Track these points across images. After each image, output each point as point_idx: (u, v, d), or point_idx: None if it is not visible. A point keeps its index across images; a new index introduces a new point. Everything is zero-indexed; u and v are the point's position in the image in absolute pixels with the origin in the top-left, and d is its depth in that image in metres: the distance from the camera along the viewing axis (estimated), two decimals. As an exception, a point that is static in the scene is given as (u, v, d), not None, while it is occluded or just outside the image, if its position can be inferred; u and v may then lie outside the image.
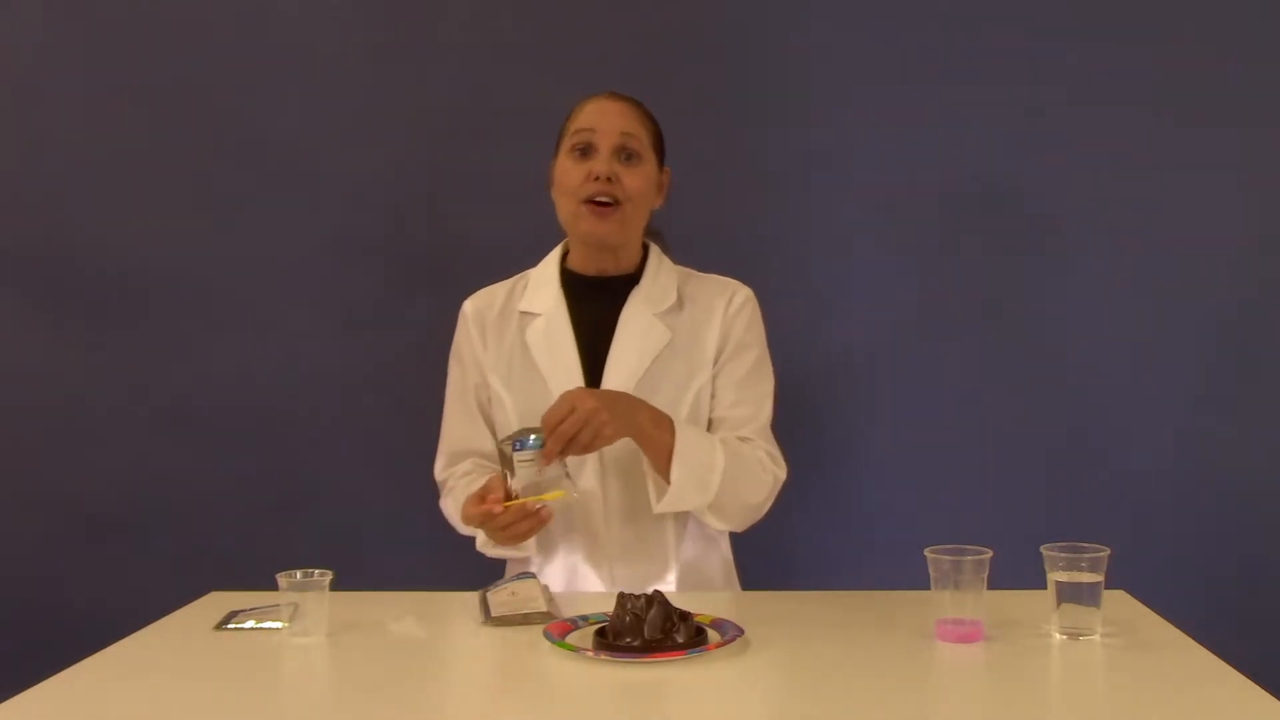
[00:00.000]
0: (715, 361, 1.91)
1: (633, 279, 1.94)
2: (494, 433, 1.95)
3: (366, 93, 2.62)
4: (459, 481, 1.94)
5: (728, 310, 1.92)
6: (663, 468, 1.78)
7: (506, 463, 1.70)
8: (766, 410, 1.92)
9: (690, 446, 1.78)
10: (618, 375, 1.86)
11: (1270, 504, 2.56)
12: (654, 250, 1.99)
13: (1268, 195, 2.55)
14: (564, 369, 1.88)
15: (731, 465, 1.81)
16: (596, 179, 1.86)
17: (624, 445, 1.81)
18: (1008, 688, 1.42)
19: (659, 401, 1.83)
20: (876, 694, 1.38)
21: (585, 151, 1.88)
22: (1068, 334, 2.57)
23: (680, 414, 1.85)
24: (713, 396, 1.90)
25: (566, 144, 1.91)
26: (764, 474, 1.86)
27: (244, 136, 2.63)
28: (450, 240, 2.61)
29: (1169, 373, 2.55)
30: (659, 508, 1.81)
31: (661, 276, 1.95)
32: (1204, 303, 2.55)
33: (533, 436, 1.69)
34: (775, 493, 1.89)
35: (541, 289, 1.96)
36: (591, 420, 1.67)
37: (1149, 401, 2.55)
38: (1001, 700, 1.39)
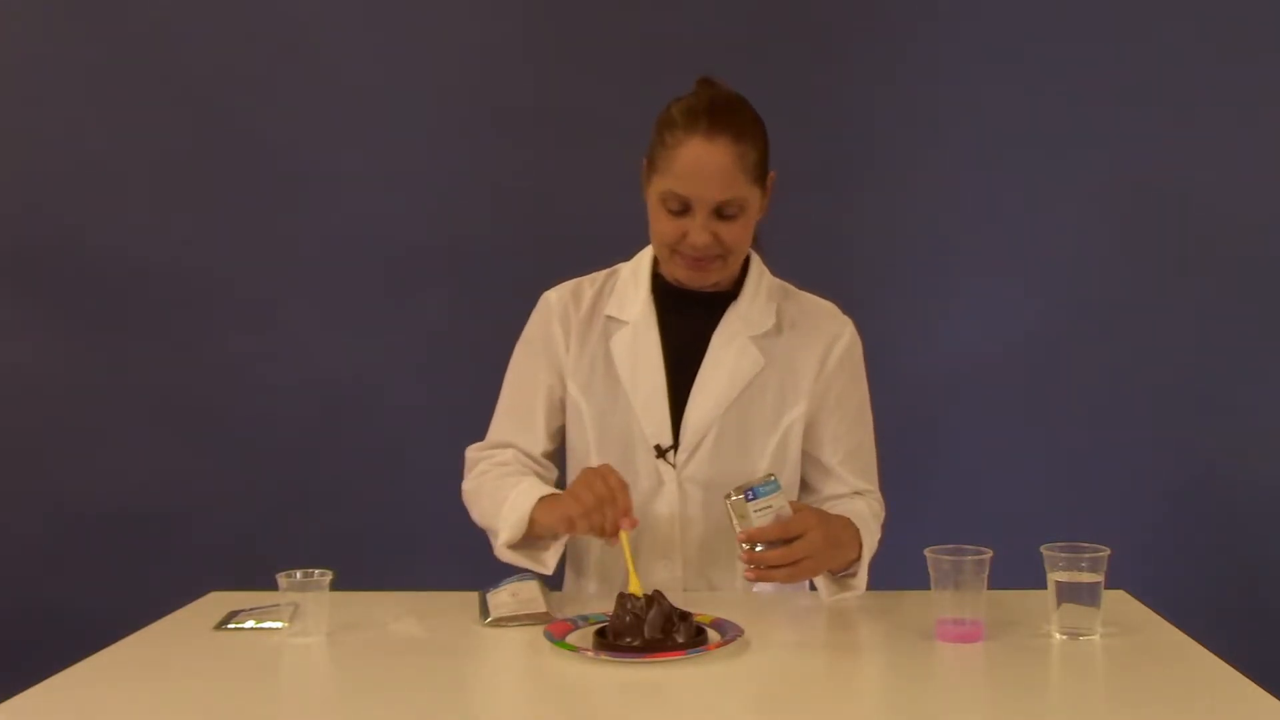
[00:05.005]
0: (820, 405, 1.81)
1: (729, 293, 1.81)
2: (549, 435, 1.85)
3: (370, 93, 2.62)
4: (493, 468, 1.83)
5: (832, 352, 1.81)
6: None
7: (739, 515, 1.59)
8: (873, 453, 1.86)
9: (871, 548, 1.73)
10: (705, 400, 1.77)
11: (1270, 504, 2.56)
12: (755, 263, 1.84)
13: (1266, 189, 2.55)
14: (648, 387, 1.78)
15: (874, 545, 1.76)
16: (694, 245, 1.70)
17: (702, 490, 1.77)
18: (1008, 688, 1.42)
19: (748, 434, 1.78)
20: (876, 694, 1.38)
21: (678, 209, 1.70)
22: (1065, 335, 2.57)
23: (767, 448, 1.79)
24: (811, 437, 1.81)
25: (657, 187, 1.71)
26: (879, 527, 1.81)
27: (246, 137, 2.63)
28: (452, 242, 2.61)
29: (1169, 372, 2.55)
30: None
31: (761, 295, 1.82)
32: (1204, 302, 2.55)
33: (761, 485, 1.59)
34: None
35: (631, 294, 1.83)
36: (814, 557, 1.57)
37: (1149, 400, 2.55)
38: (1001, 700, 1.39)
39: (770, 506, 1.58)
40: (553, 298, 1.87)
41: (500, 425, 1.88)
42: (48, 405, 2.68)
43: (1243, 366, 2.55)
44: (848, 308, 1.90)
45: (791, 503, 1.60)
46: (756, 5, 2.58)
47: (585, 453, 1.81)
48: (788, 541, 1.55)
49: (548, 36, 2.60)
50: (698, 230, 1.69)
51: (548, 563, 1.74)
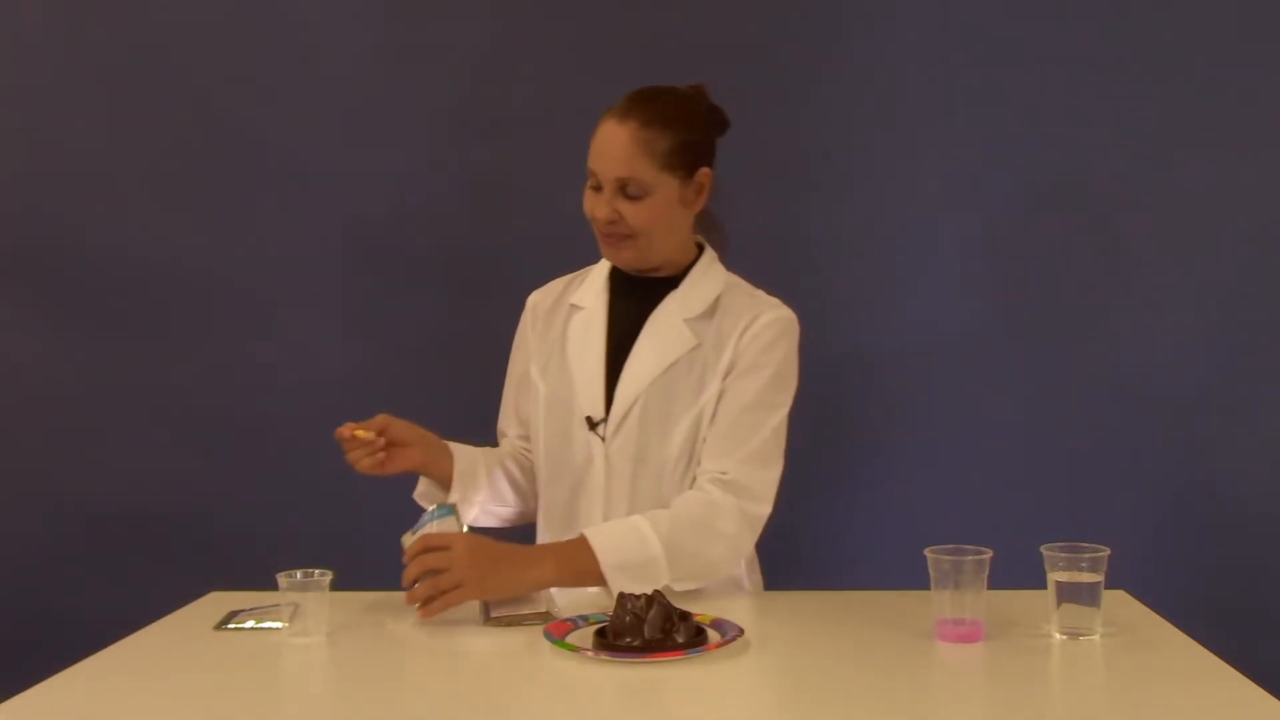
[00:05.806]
0: (725, 378, 1.84)
1: (676, 281, 1.90)
2: (520, 420, 2.02)
3: (370, 93, 2.62)
4: None
5: (748, 329, 1.85)
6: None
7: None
8: (760, 436, 1.80)
9: (619, 555, 1.70)
10: (634, 376, 1.85)
11: (1270, 504, 2.56)
12: (706, 254, 1.93)
13: (1266, 189, 2.54)
14: (589, 364, 1.89)
15: (675, 542, 1.72)
16: (596, 218, 1.84)
17: (630, 464, 1.83)
18: (1008, 688, 1.42)
19: (669, 411, 1.82)
20: (876, 694, 1.38)
21: (594, 185, 1.84)
22: (1065, 334, 2.57)
23: (681, 425, 1.82)
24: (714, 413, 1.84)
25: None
26: (725, 526, 1.75)
27: (246, 137, 2.63)
28: (452, 242, 2.61)
29: (1170, 371, 2.55)
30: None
31: (705, 283, 1.90)
32: (1204, 302, 2.55)
33: (430, 514, 1.74)
34: (754, 532, 1.80)
35: (592, 284, 1.96)
36: (449, 573, 1.63)
37: (1149, 400, 2.55)
38: (1001, 700, 1.39)
39: (423, 531, 1.70)
40: (531, 297, 2.04)
41: (500, 418, 2.07)
42: (48, 405, 2.67)
43: (1243, 366, 2.55)
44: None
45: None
46: (757, 5, 2.57)
47: (536, 428, 1.94)
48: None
49: (548, 37, 2.60)
50: (602, 204, 1.82)
51: (451, 496, 1.90)
